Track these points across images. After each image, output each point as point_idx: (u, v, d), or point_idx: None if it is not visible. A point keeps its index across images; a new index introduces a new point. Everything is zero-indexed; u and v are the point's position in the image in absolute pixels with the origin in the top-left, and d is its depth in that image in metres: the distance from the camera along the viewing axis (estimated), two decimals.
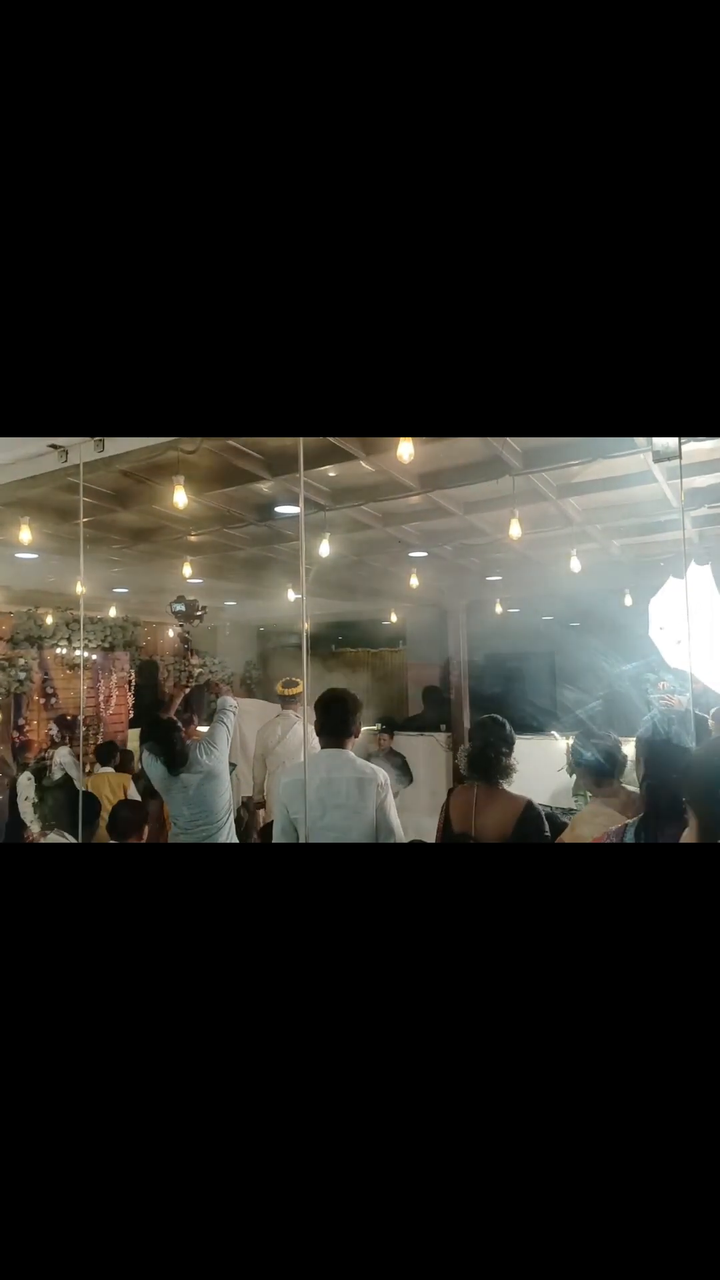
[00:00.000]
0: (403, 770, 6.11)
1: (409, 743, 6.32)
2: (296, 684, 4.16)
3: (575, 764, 2.24)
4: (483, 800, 2.13)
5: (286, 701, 4.14)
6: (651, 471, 2.82)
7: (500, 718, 2.25)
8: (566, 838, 2.11)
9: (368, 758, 6.19)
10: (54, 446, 2.44)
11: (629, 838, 1.82)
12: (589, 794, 2.25)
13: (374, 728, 6.72)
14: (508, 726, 2.22)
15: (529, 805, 2.10)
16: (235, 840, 3.12)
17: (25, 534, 3.16)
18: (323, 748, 2.32)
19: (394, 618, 6.08)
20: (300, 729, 4.02)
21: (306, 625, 3.05)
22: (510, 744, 2.19)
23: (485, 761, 2.15)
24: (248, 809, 4.35)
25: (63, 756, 4.22)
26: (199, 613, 3.43)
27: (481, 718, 2.31)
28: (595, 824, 1.96)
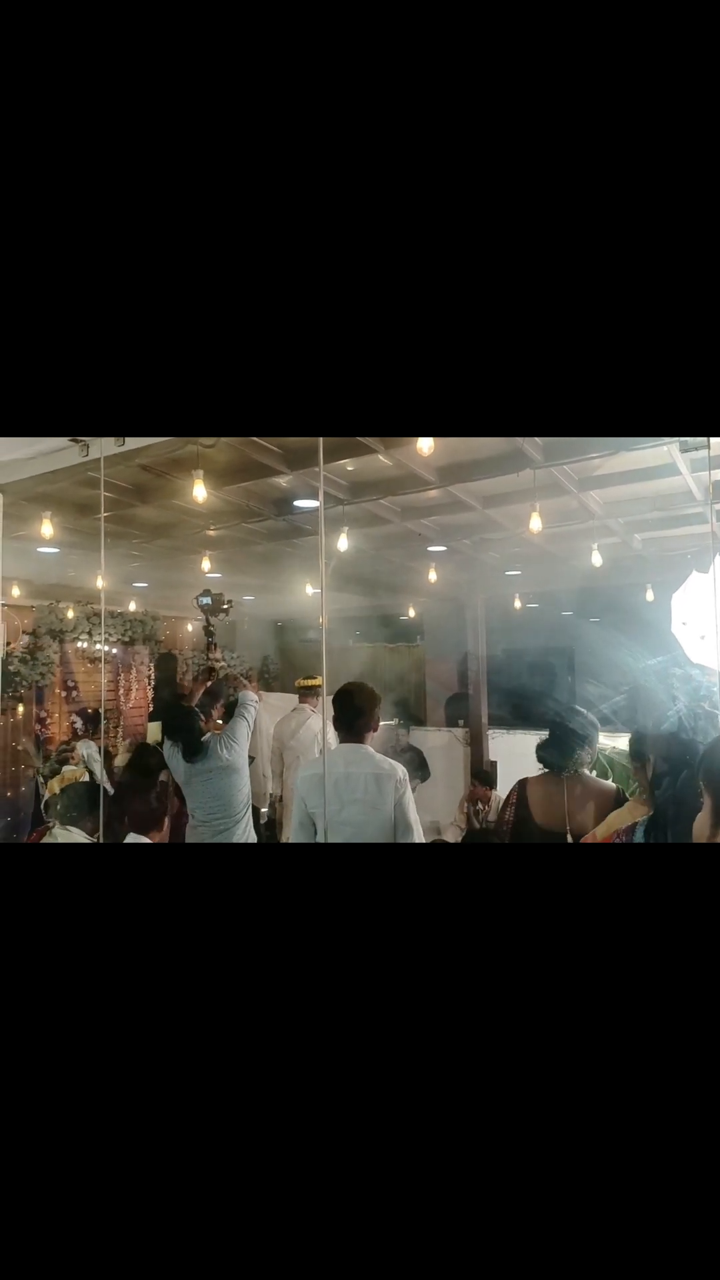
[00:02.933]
0: (419, 765, 6.10)
1: (426, 737, 6.30)
2: (315, 678, 4.16)
3: (633, 758, 2.21)
4: (574, 790, 2.05)
5: (304, 695, 4.14)
6: (675, 464, 2.77)
7: (580, 708, 2.19)
8: (613, 822, 2.09)
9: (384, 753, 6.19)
10: (75, 440, 2.45)
11: (638, 837, 1.80)
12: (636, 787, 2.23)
13: (391, 722, 6.72)
14: (589, 714, 2.16)
15: (620, 791, 2.06)
16: (253, 836, 3.13)
17: (47, 528, 3.18)
18: (340, 742, 2.31)
19: (412, 612, 6.07)
20: (316, 723, 4.02)
21: (324, 620, 3.04)
22: (596, 731, 2.14)
23: (572, 750, 2.08)
24: (274, 808, 4.37)
25: (85, 749, 4.26)
26: (225, 605, 3.44)
27: (562, 707, 2.27)
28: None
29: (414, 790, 6.11)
